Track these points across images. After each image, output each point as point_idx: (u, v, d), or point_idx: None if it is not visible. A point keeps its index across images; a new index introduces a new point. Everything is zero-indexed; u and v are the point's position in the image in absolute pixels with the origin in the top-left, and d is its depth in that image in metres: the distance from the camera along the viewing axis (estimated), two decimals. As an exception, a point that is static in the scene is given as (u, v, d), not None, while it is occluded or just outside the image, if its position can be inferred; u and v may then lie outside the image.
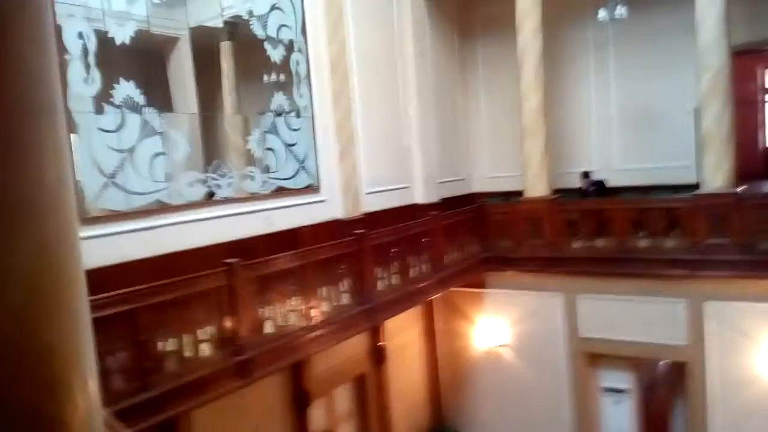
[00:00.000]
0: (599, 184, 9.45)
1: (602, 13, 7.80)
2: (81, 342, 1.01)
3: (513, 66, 8.56)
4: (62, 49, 4.84)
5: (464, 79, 11.18)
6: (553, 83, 9.36)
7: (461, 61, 11.09)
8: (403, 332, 8.50)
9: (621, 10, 7.68)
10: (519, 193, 8.78)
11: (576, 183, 9.66)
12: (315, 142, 7.50)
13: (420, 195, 9.49)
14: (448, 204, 9.71)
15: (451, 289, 8.35)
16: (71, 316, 0.98)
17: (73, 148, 4.94)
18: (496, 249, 8.68)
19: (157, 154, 5.60)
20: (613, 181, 9.52)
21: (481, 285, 8.87)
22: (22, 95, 0.87)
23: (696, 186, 7.64)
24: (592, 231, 7.99)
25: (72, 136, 4.95)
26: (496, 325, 8.72)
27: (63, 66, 4.85)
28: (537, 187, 8.48)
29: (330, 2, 7.66)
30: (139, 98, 5.45)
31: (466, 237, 8.46)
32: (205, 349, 4.62)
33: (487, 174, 11.22)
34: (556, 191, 8.83)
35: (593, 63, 9.95)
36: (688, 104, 8.48)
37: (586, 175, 9.59)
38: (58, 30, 4.82)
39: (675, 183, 8.68)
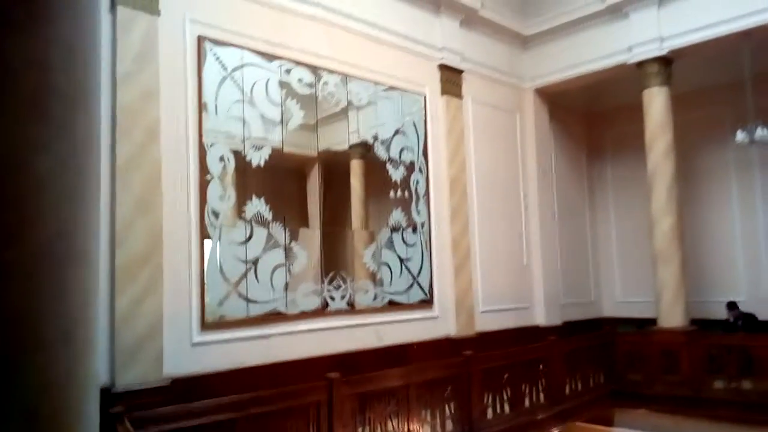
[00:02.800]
0: (748, 317, 8.44)
1: (740, 136, 7.34)
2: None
3: (645, 186, 8.21)
4: (205, 171, 5.46)
5: (593, 198, 10.88)
6: (689, 205, 8.82)
7: (589, 180, 10.87)
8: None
9: (762, 132, 7.18)
10: (653, 321, 8.09)
11: (719, 314, 8.72)
12: (431, 258, 7.57)
13: (541, 317, 9.07)
14: (573, 328, 9.16)
15: (573, 423, 7.65)
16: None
17: (205, 256, 5.42)
18: (626, 383, 7.92)
19: (279, 266, 5.96)
20: (764, 314, 8.47)
21: (608, 422, 8.05)
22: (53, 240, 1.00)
23: None
24: (737, 370, 7.07)
25: (206, 243, 5.45)
26: (625, 469, 7.76)
27: (203, 185, 5.45)
28: (672, 317, 7.78)
29: (452, 126, 7.99)
30: (268, 214, 5.92)
31: (591, 366, 7.82)
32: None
33: (618, 298, 10.53)
34: (696, 322, 8.03)
35: (736, 185, 9.28)
36: None
37: (732, 306, 8.64)
38: (203, 154, 5.47)
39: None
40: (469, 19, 8.29)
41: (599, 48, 8.48)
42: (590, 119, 10.98)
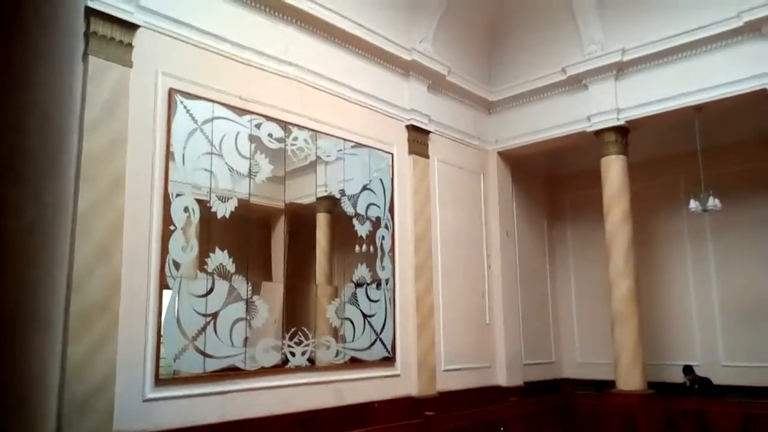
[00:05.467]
0: (704, 382, 8.59)
1: (693, 204, 7.67)
2: None
3: (603, 249, 8.43)
4: (168, 221, 5.41)
5: (553, 259, 11.10)
6: (646, 269, 9.08)
7: (550, 241, 11.11)
8: None
9: (714, 202, 7.52)
10: (612, 383, 8.16)
11: (677, 377, 8.86)
12: (394, 314, 7.55)
13: (503, 377, 9.06)
14: (534, 389, 9.16)
15: (532, 487, 7.54)
16: None
17: (163, 308, 5.30)
18: (585, 445, 7.90)
19: (239, 320, 5.86)
20: (719, 379, 8.64)
21: (567, 486, 7.96)
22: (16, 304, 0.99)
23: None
24: (694, 435, 7.13)
25: (166, 295, 5.34)
26: None
27: (166, 235, 5.38)
28: (631, 379, 7.87)
29: (418, 185, 8.15)
30: (230, 266, 5.85)
31: (551, 428, 7.79)
32: None
33: (579, 359, 10.62)
34: (654, 385, 8.13)
35: (690, 251, 9.63)
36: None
37: (688, 370, 8.79)
38: (168, 204, 5.43)
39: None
40: (437, 84, 8.59)
41: (560, 116, 8.85)
42: (551, 183, 11.33)
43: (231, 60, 6.17)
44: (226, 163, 6.00)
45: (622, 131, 8.30)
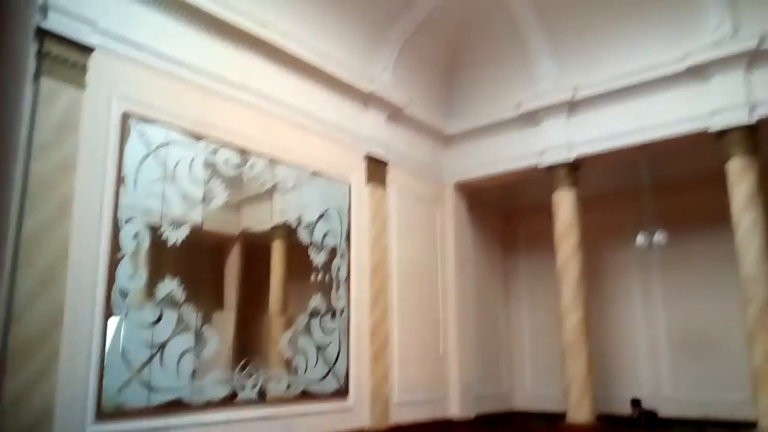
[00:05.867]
0: (650, 414, 8.77)
1: (640, 239, 7.94)
2: None
3: (555, 281, 8.59)
4: (116, 248, 5.25)
5: (507, 291, 11.24)
6: (596, 302, 9.27)
7: (504, 273, 11.26)
8: None
9: (659, 237, 7.80)
10: (563, 416, 8.23)
11: (626, 409, 9.02)
12: (348, 345, 7.47)
13: (455, 408, 9.03)
14: (486, 421, 9.17)
15: None
16: None
17: (107, 339, 5.10)
18: (536, 478, 7.93)
19: (187, 351, 5.68)
20: (665, 411, 8.84)
21: None
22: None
23: (753, 425, 6.97)
24: (641, 467, 7.25)
25: (111, 324, 5.14)
26: None
27: (114, 262, 5.21)
28: (580, 411, 7.95)
29: (375, 214, 8.17)
30: (180, 295, 5.69)
31: (503, 461, 7.81)
32: None
33: (531, 391, 10.70)
34: (604, 417, 8.25)
35: (637, 285, 9.90)
36: (739, 333, 8.11)
37: (636, 402, 8.98)
38: (117, 230, 5.27)
39: (732, 419, 7.97)
40: (396, 115, 8.70)
41: (513, 150, 9.06)
42: (506, 215, 11.54)
43: (189, 84, 6.10)
44: (179, 189, 5.88)
45: (573, 166, 8.55)
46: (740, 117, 7.13)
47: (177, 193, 5.85)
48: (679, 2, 7.54)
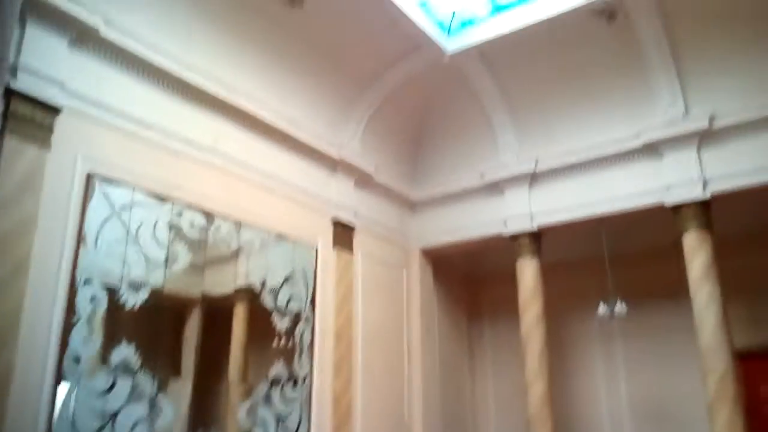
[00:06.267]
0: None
1: (602, 309, 8.06)
2: None
3: (520, 350, 8.57)
4: (72, 311, 5.08)
5: (472, 358, 11.17)
6: (559, 371, 9.28)
7: (469, 340, 11.22)
8: None
9: (620, 308, 7.93)
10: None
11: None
12: (309, 416, 7.25)
13: (419, 481, 8.76)
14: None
15: None
16: None
17: (56, 407, 4.85)
18: None
19: (141, 420, 5.44)
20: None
21: None
22: None
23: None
24: None
25: (61, 391, 4.91)
26: None
27: (68, 326, 5.03)
28: (545, 484, 7.80)
29: (341, 279, 8.13)
30: (136, 361, 5.50)
31: None
32: None
33: (496, 461, 10.47)
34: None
35: (600, 355, 9.97)
36: (700, 403, 8.17)
37: (600, 473, 8.86)
38: (74, 292, 5.12)
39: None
40: (363, 181, 8.82)
41: (478, 218, 9.24)
42: (471, 282, 11.60)
43: (157, 146, 6.11)
44: (141, 251, 5.78)
45: (536, 236, 8.72)
46: (694, 192, 7.44)
47: (139, 255, 5.75)
48: (634, 82, 7.97)
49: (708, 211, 7.46)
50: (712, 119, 7.39)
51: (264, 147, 7.38)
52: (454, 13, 8.00)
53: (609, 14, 7.33)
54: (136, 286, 5.66)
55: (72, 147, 5.35)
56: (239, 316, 6.91)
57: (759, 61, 7.24)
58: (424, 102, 9.38)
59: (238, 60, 7.01)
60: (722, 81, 7.48)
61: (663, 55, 7.56)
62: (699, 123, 7.46)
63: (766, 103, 7.14)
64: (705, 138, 7.52)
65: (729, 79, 7.44)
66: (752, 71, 7.29)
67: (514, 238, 8.81)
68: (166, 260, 5.99)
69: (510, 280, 8.94)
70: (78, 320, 5.12)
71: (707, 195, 7.40)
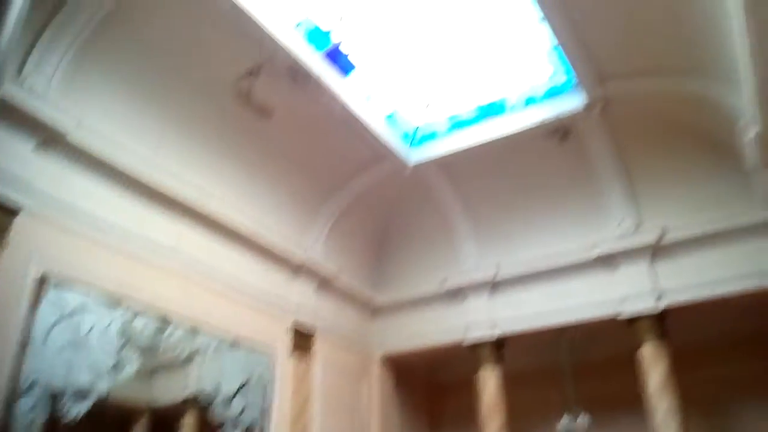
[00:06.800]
0: None
1: (564, 422, 7.91)
2: None
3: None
4: (9, 423, 4.76)
5: (433, 472, 10.67)
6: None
7: (431, 451, 10.77)
8: None
9: (583, 420, 7.80)
10: None
11: None
12: None
13: None
14: None
15: None
16: None
17: None
18: None
19: None
20: None
21: None
22: None
23: None
24: None
25: None
26: None
27: (1, 439, 4.71)
28: None
29: (298, 387, 7.87)
30: (72, 478, 5.12)
31: None
32: None
33: None
34: None
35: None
36: None
37: None
38: (14, 401, 4.83)
39: None
40: (325, 285, 8.78)
41: (439, 325, 9.20)
42: (433, 390, 11.30)
43: (116, 248, 6.04)
44: (89, 357, 5.54)
45: (497, 345, 8.68)
46: (648, 305, 7.60)
47: (86, 361, 5.51)
48: (588, 196, 8.35)
49: (663, 324, 7.59)
50: (663, 233, 7.71)
51: (227, 249, 7.36)
52: (417, 127, 8.43)
53: (562, 134, 7.81)
54: (81, 395, 5.37)
55: (27, 247, 5.25)
56: (188, 428, 6.57)
57: (704, 177, 7.67)
58: (387, 209, 9.61)
59: (208, 164, 7.15)
60: (672, 196, 7.87)
61: (614, 171, 8.00)
62: (650, 237, 7.77)
63: (713, 218, 7.48)
64: (657, 251, 7.79)
65: (678, 195, 7.84)
66: (699, 187, 7.70)
67: (476, 347, 8.76)
68: (115, 367, 5.74)
69: (472, 388, 8.77)
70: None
71: (661, 307, 7.55)
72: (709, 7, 5.07)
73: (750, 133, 5.72)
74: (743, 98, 5.57)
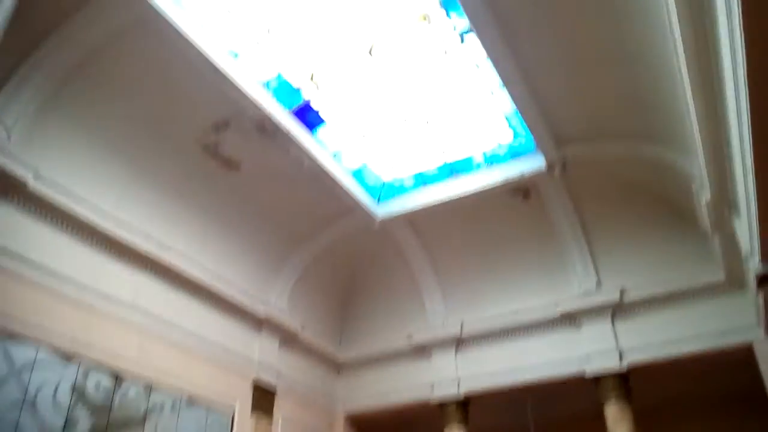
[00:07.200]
0: None
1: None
2: None
3: None
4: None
5: None
6: None
7: None
8: None
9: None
10: None
11: None
12: None
13: None
14: None
15: None
16: None
17: None
18: None
19: None
20: None
21: None
22: None
23: None
24: None
25: None
26: None
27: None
28: None
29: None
30: None
31: None
32: None
33: None
34: None
35: None
36: None
37: None
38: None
39: None
40: (289, 340, 8.62)
41: (405, 382, 9.07)
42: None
43: (71, 301, 5.85)
44: (38, 416, 5.29)
45: (463, 403, 8.57)
46: (611, 364, 7.63)
47: (34, 421, 5.24)
48: (550, 254, 8.47)
49: (627, 383, 7.60)
50: (622, 293, 7.82)
51: (187, 303, 7.20)
52: (384, 183, 8.52)
53: (524, 193, 7.99)
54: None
55: (-23, 300, 5.07)
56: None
57: (663, 238, 7.87)
58: (354, 263, 9.59)
59: (171, 217, 7.07)
60: (631, 256, 8.04)
61: (574, 231, 8.17)
62: (610, 296, 7.88)
63: (672, 278, 7.65)
64: (618, 310, 7.89)
65: (637, 255, 8.01)
66: (658, 248, 7.89)
67: (442, 405, 8.63)
68: (65, 426, 5.49)
69: (439, 448, 8.59)
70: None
71: (624, 366, 7.58)
72: (664, 76, 5.32)
73: (701, 199, 5.93)
74: (695, 164, 5.80)
